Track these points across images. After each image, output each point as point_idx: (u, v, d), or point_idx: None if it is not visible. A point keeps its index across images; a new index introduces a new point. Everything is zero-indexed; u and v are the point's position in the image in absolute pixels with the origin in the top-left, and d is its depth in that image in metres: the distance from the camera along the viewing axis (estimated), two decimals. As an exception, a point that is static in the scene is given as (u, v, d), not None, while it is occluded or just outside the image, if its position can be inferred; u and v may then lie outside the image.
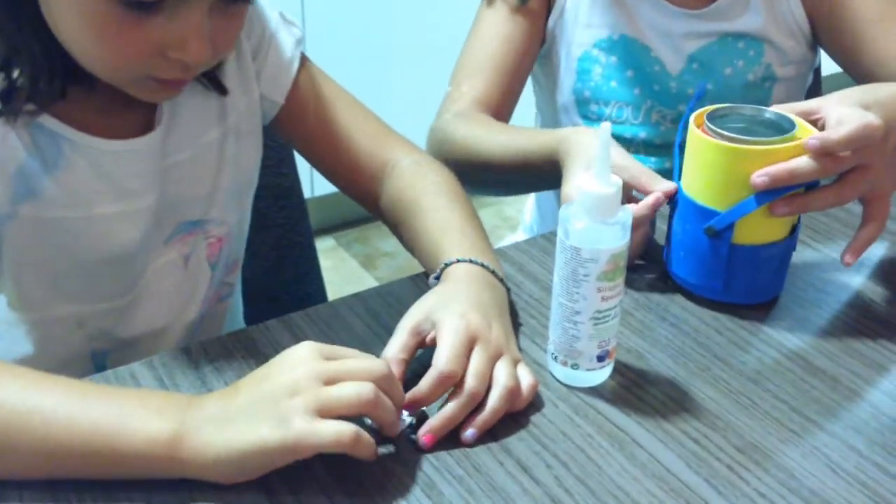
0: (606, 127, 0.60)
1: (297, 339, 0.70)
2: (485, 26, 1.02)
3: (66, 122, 0.68)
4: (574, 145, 0.81)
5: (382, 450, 0.60)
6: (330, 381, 0.57)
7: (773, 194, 0.70)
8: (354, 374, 0.57)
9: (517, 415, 0.64)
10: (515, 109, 1.04)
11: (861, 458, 0.61)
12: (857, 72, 0.98)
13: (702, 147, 0.72)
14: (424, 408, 0.62)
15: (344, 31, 2.01)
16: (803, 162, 0.69)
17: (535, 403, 0.65)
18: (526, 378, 0.64)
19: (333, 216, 2.24)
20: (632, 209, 0.66)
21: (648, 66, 1.02)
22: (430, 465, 0.59)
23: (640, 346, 0.71)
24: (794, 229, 0.75)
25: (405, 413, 0.62)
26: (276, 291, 1.07)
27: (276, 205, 1.04)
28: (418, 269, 0.79)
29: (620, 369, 0.69)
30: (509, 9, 1.00)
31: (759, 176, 0.69)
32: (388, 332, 0.66)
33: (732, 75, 1.02)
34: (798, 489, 0.58)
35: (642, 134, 1.04)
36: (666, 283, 0.79)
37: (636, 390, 0.67)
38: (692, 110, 0.74)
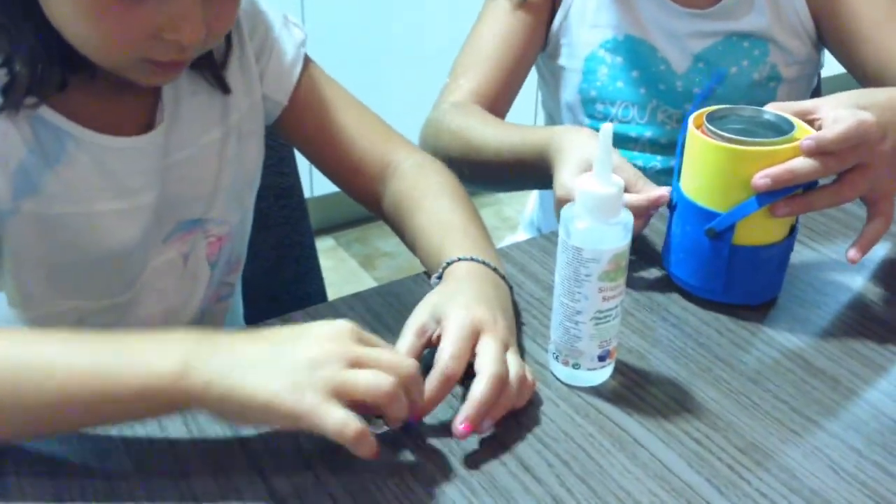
0: (608, 128, 0.60)
1: (299, 339, 0.70)
2: (487, 21, 1.02)
3: (69, 117, 0.69)
4: (565, 143, 0.81)
5: (387, 450, 0.60)
6: (355, 365, 0.56)
7: (774, 195, 0.70)
8: (381, 363, 0.57)
9: (518, 414, 0.64)
10: (513, 108, 1.05)
11: (861, 458, 0.61)
12: (861, 72, 0.98)
13: (701, 148, 0.72)
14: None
15: (343, 31, 2.01)
16: (802, 162, 0.69)
17: (536, 403, 0.65)
18: (527, 375, 0.64)
19: (333, 216, 2.24)
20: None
21: (654, 66, 1.02)
22: (432, 465, 0.60)
23: (641, 346, 0.72)
24: (792, 230, 0.75)
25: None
26: (276, 291, 1.07)
27: (277, 204, 1.05)
28: (418, 269, 0.79)
29: (621, 369, 0.69)
30: (512, 5, 1.01)
31: (761, 178, 0.69)
32: (389, 331, 0.66)
33: (738, 75, 1.02)
34: (799, 489, 0.59)
35: (648, 133, 1.05)
36: (666, 283, 0.79)
37: (637, 390, 0.67)
38: (707, 95, 0.75)
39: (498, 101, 1.00)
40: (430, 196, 0.80)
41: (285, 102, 0.82)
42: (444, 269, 0.70)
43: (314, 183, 2.07)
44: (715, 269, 0.74)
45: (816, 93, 1.15)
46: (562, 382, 0.67)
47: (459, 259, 0.70)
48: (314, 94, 0.83)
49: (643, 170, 1.00)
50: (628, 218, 0.63)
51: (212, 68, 0.75)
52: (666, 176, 0.78)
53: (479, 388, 0.60)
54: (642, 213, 0.75)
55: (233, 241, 0.84)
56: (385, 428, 0.59)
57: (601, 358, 0.66)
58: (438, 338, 0.63)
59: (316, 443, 0.61)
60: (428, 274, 0.75)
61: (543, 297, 0.76)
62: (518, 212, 2.30)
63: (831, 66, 1.08)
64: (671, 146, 1.04)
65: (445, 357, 0.61)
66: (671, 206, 0.76)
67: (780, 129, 0.73)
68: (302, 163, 1.05)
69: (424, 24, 2.13)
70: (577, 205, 0.63)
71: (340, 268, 2.16)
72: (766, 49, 1.02)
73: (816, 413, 0.65)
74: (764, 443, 0.62)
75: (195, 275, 0.81)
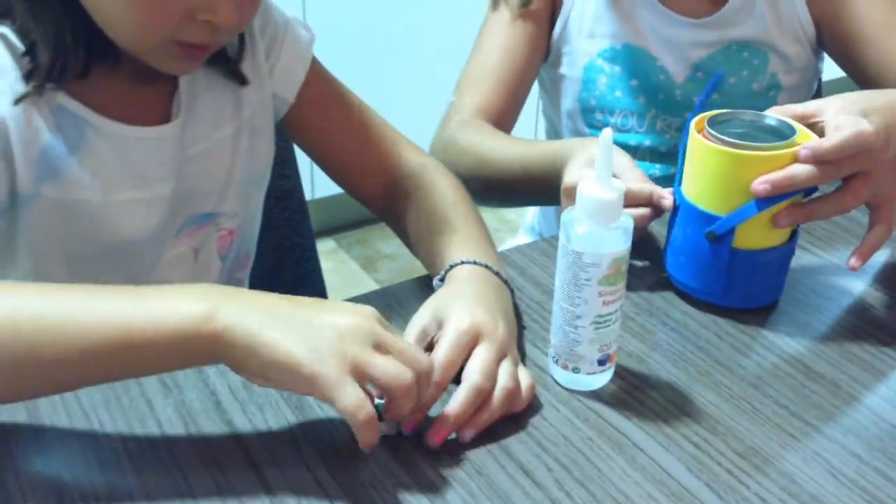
0: (608, 133, 0.61)
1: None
2: (489, 35, 1.03)
3: (88, 105, 0.70)
4: (576, 147, 0.81)
5: (385, 451, 0.60)
6: (378, 347, 0.56)
7: (774, 200, 0.70)
8: (402, 354, 0.57)
9: (518, 417, 0.64)
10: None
11: (861, 464, 0.61)
12: (861, 77, 0.98)
13: (702, 152, 0.72)
14: None
15: (345, 31, 2.01)
16: (801, 169, 0.69)
17: (535, 406, 0.65)
18: (525, 379, 0.65)
19: (334, 218, 2.24)
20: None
21: (653, 75, 1.02)
22: (431, 468, 0.60)
23: (641, 350, 0.71)
24: (793, 234, 0.75)
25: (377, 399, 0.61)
26: (276, 292, 1.07)
27: (278, 206, 1.05)
28: (419, 271, 0.79)
29: (621, 373, 0.69)
30: (513, 16, 1.01)
31: (760, 183, 0.69)
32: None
33: (737, 84, 1.02)
34: (798, 494, 0.58)
35: (647, 142, 1.05)
36: (666, 288, 0.79)
37: (637, 394, 0.67)
38: (708, 94, 0.75)
39: (504, 116, 1.00)
40: (432, 198, 0.80)
41: (292, 100, 0.83)
42: (447, 271, 0.71)
43: (315, 185, 2.08)
44: (715, 273, 0.74)
45: (816, 97, 1.15)
46: (561, 386, 0.67)
47: (462, 262, 0.70)
48: (320, 94, 0.84)
49: None
50: (628, 223, 0.63)
51: (228, 62, 0.77)
52: (666, 184, 0.78)
53: (456, 401, 0.61)
54: (644, 205, 0.75)
55: (243, 236, 0.85)
56: (384, 429, 0.60)
57: (601, 362, 0.66)
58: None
59: (314, 443, 0.61)
60: (431, 276, 0.75)
61: (543, 301, 0.76)
62: (519, 214, 2.30)
63: (831, 71, 1.08)
64: (670, 155, 1.04)
65: (436, 365, 0.61)
66: (673, 209, 0.76)
67: (782, 133, 0.73)
68: (303, 165, 1.05)
69: (425, 23, 2.13)
70: (578, 209, 0.63)
71: (341, 270, 2.16)
72: (765, 58, 1.02)
73: (816, 418, 0.65)
74: (763, 447, 0.62)
75: (206, 269, 0.82)
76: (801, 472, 0.60)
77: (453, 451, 0.61)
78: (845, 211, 0.73)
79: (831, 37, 1.01)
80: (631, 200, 0.74)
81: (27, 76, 0.66)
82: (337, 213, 2.21)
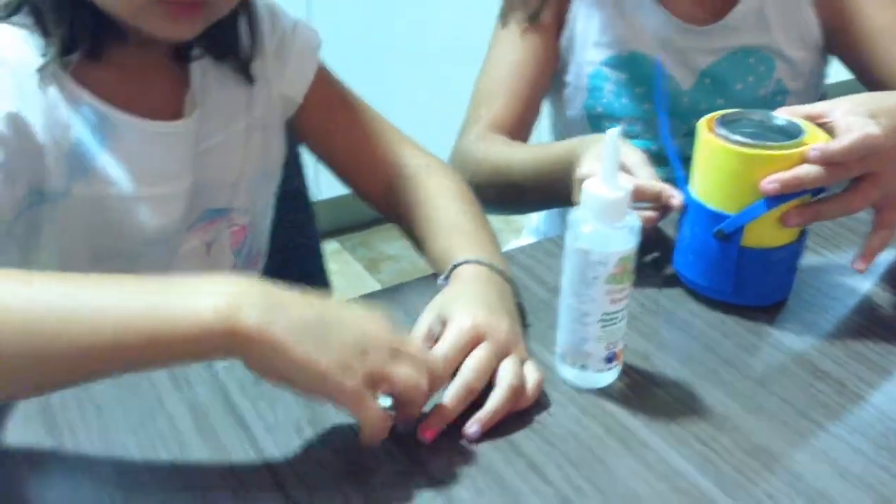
0: (614, 132, 0.61)
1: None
2: (500, 48, 1.03)
3: (108, 101, 0.71)
4: (591, 143, 0.82)
5: (394, 447, 0.61)
6: (395, 355, 0.57)
7: (782, 199, 0.70)
8: (416, 360, 0.58)
9: (526, 415, 0.64)
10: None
11: (868, 461, 0.61)
12: (869, 79, 0.99)
13: (712, 151, 0.72)
14: None
15: (350, 32, 2.01)
16: (809, 169, 0.70)
17: (543, 404, 0.65)
18: (532, 374, 0.65)
19: (338, 220, 2.24)
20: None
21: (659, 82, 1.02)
22: (440, 464, 0.60)
23: (648, 349, 0.72)
24: (802, 233, 0.76)
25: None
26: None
27: (284, 207, 1.05)
28: (422, 271, 0.79)
29: (628, 371, 0.69)
30: (521, 31, 1.01)
31: (769, 183, 0.70)
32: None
33: (744, 90, 1.02)
34: (805, 491, 0.59)
35: (654, 148, 1.05)
36: (673, 286, 0.79)
37: (644, 392, 0.67)
38: (661, 88, 0.75)
39: (519, 128, 1.01)
40: (437, 198, 0.81)
41: (300, 101, 0.85)
42: (451, 271, 0.71)
43: (320, 186, 2.08)
44: (724, 271, 0.75)
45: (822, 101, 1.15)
46: (569, 384, 0.68)
47: (466, 262, 0.71)
48: (326, 96, 0.86)
49: None
50: (635, 221, 0.63)
51: (238, 60, 0.78)
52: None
53: (446, 396, 0.61)
54: (654, 203, 0.75)
55: (255, 232, 0.86)
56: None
57: (608, 360, 0.66)
58: None
59: (324, 438, 0.61)
60: (436, 276, 0.75)
61: (549, 300, 0.77)
62: (524, 215, 2.30)
63: (835, 74, 1.08)
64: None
65: (437, 357, 0.62)
66: (682, 208, 0.77)
67: (791, 133, 0.73)
68: (307, 166, 1.05)
69: (428, 23, 2.13)
70: (584, 207, 0.63)
71: (345, 271, 2.17)
72: (772, 64, 1.02)
73: (823, 416, 0.65)
74: (770, 445, 0.62)
75: (218, 263, 0.83)
76: (808, 470, 0.60)
77: (462, 448, 0.61)
78: (853, 211, 0.74)
79: (839, 41, 1.01)
80: (640, 197, 0.74)
81: (43, 53, 0.67)
82: (341, 214, 2.21)
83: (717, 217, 0.73)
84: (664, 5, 1.00)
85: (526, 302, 0.76)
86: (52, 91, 0.69)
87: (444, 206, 0.80)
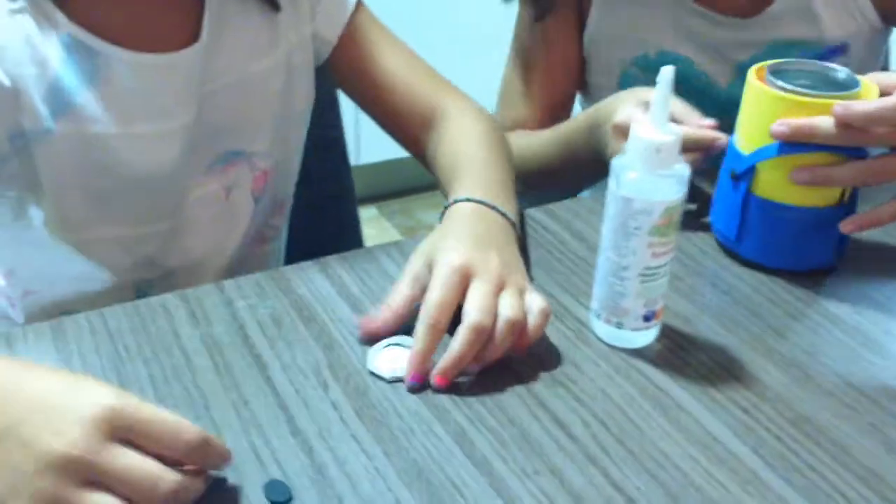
0: (668, 71, 0.57)
1: (332, 281, 0.69)
2: (520, 50, 1.00)
3: (100, 34, 0.67)
4: (624, 94, 0.79)
5: (414, 395, 0.58)
6: (97, 479, 0.44)
7: (799, 148, 0.67)
8: (130, 480, 0.44)
9: (554, 369, 0.61)
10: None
11: (921, 438, 0.57)
12: None
13: (750, 95, 0.70)
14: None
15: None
16: (825, 122, 0.65)
17: (573, 361, 0.62)
18: (536, 303, 0.61)
19: (377, 185, 2.22)
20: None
21: (694, 80, 0.95)
22: (462, 414, 0.57)
23: (689, 311, 0.68)
24: (844, 201, 0.70)
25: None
26: (314, 246, 1.05)
27: (319, 157, 1.02)
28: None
29: (667, 333, 0.65)
30: (542, 31, 0.97)
31: (779, 124, 0.66)
32: (426, 278, 0.63)
33: None
34: (851, 465, 0.55)
35: None
36: (719, 250, 0.75)
37: (683, 354, 0.63)
38: None
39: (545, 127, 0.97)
40: (458, 141, 0.78)
41: (335, 41, 0.81)
42: (445, 210, 0.68)
43: (361, 150, 2.05)
44: (730, 213, 0.72)
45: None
46: (603, 342, 0.64)
47: (456, 200, 0.68)
48: (364, 36, 0.83)
49: None
50: (684, 170, 0.59)
51: None
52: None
53: (456, 341, 0.58)
54: (697, 149, 0.72)
55: (278, 178, 0.83)
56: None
57: (646, 318, 0.63)
58: None
59: (342, 384, 0.59)
60: None
61: (588, 257, 0.73)
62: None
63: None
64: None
65: (430, 306, 0.59)
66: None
67: (845, 86, 0.68)
68: (348, 129, 1.03)
69: (434, 22, 2.08)
70: (630, 152, 0.59)
71: (382, 237, 2.15)
72: (818, 56, 0.95)
73: (873, 389, 0.61)
74: (816, 416, 0.58)
75: (238, 208, 0.80)
76: (855, 444, 0.56)
77: (485, 398, 0.58)
78: (872, 183, 0.68)
79: None
80: (688, 146, 0.70)
81: None
82: (381, 180, 2.19)
83: (739, 158, 0.71)
84: (702, 3, 0.92)
85: (564, 258, 0.73)
86: (25, 20, 0.65)
87: (461, 149, 0.77)
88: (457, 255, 0.61)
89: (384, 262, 0.72)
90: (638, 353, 0.63)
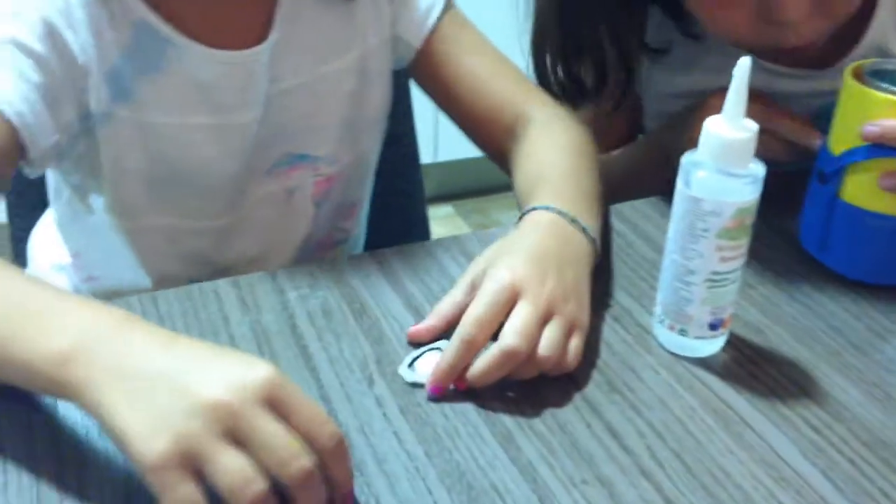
0: (745, 61, 0.53)
1: (387, 275, 0.67)
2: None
3: (174, 25, 0.67)
4: (693, 109, 0.74)
5: (461, 395, 0.55)
6: (237, 437, 0.43)
7: (891, 152, 0.62)
8: (267, 449, 0.43)
9: (611, 375, 0.58)
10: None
11: None
12: None
13: (846, 94, 0.65)
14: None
15: None
16: None
17: (633, 368, 0.59)
18: (573, 348, 0.57)
19: (454, 183, 2.20)
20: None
21: None
22: (509, 417, 0.54)
23: (761, 321, 0.64)
24: None
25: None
26: (381, 242, 1.04)
27: (387, 151, 1.01)
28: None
29: (736, 343, 0.61)
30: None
31: (872, 125, 0.61)
32: (481, 274, 0.61)
33: None
34: (933, 496, 0.50)
35: None
36: (801, 258, 0.70)
37: (751, 367, 0.59)
38: None
39: None
40: (544, 149, 0.74)
41: (419, 46, 0.78)
42: (521, 217, 0.65)
43: (439, 147, 2.04)
44: (814, 218, 0.68)
45: None
46: (665, 350, 0.61)
47: (536, 208, 0.63)
48: (450, 41, 0.79)
49: None
50: (759, 170, 0.56)
51: None
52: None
53: (485, 358, 0.54)
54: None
55: (344, 183, 0.81)
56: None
57: (712, 326, 0.59)
58: None
59: (388, 380, 0.57)
60: None
61: (654, 259, 0.70)
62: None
63: None
64: None
65: (468, 321, 0.55)
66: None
67: None
68: (426, 128, 1.00)
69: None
70: (701, 149, 0.56)
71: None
72: None
73: (963, 415, 0.56)
74: (894, 440, 0.54)
75: (298, 213, 0.79)
76: (938, 473, 0.52)
77: (535, 402, 0.55)
78: None
79: None
80: (780, 135, 0.69)
81: None
82: (457, 178, 2.17)
83: (828, 159, 0.66)
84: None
85: (629, 259, 0.70)
86: (99, 5, 0.64)
87: (542, 158, 0.72)
88: (509, 271, 0.57)
89: (442, 258, 0.70)
90: (702, 362, 0.60)
